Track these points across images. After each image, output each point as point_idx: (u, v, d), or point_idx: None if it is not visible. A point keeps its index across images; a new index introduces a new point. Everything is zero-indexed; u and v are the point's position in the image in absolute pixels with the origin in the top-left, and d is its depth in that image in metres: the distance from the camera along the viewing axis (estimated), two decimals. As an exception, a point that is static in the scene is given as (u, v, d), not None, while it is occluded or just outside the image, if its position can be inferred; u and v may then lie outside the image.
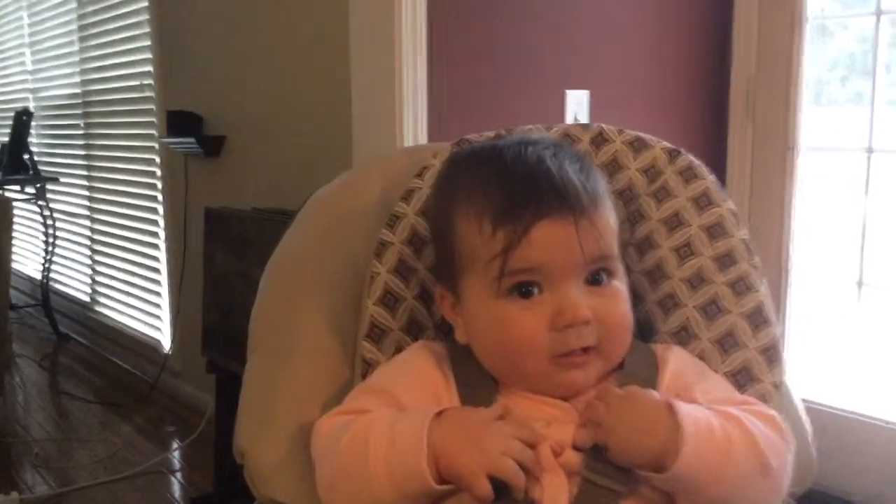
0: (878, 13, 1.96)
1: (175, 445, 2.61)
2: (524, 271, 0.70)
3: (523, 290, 0.71)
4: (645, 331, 0.83)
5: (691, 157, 0.87)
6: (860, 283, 2.03)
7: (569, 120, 1.93)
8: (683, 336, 0.80)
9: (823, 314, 2.09)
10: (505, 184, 0.72)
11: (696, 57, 2.14)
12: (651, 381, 0.74)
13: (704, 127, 2.17)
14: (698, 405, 0.69)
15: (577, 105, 1.95)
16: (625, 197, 0.87)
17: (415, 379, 0.74)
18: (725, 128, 2.16)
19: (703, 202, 0.84)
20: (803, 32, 2.03)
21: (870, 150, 1.99)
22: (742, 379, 0.77)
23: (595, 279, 0.72)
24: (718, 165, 2.12)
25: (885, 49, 1.95)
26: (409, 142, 1.74)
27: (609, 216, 0.74)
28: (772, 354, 0.78)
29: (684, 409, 0.67)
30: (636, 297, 0.84)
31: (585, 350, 0.71)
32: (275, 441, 0.78)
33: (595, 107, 1.96)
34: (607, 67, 2.00)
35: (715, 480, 0.65)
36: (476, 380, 0.74)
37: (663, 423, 0.66)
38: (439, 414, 0.68)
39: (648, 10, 2.05)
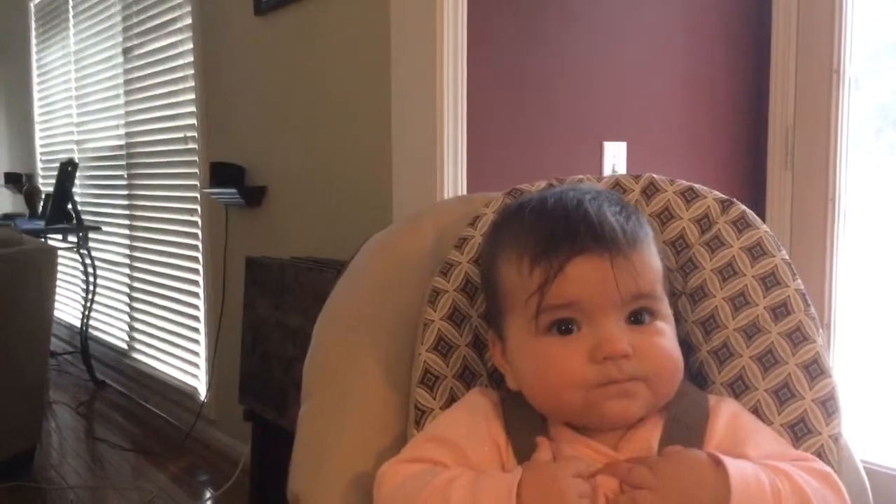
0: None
1: (208, 494, 2.61)
2: (561, 307, 0.71)
3: (563, 328, 0.72)
4: (699, 381, 0.82)
5: (744, 207, 0.87)
6: (906, 337, 1.99)
7: (606, 171, 1.94)
8: (739, 387, 0.80)
9: (868, 368, 2.05)
10: (543, 225, 0.74)
11: (733, 107, 2.16)
12: (699, 428, 0.73)
13: (743, 178, 2.17)
14: (748, 461, 0.69)
15: (614, 157, 1.96)
16: (677, 247, 0.87)
17: (476, 429, 0.75)
18: (764, 179, 2.16)
19: (756, 252, 0.84)
20: (841, 82, 2.03)
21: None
22: (799, 431, 0.76)
23: (637, 318, 0.72)
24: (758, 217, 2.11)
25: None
26: (448, 195, 1.76)
27: (650, 258, 0.75)
28: (830, 406, 0.77)
29: (731, 462, 0.67)
30: (690, 348, 0.84)
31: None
32: (330, 487, 0.78)
33: (632, 158, 1.98)
34: (644, 119, 2.02)
35: None
36: (524, 426, 0.75)
37: (710, 476, 0.66)
38: (520, 483, 0.68)
39: (685, 60, 2.07)
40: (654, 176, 0.91)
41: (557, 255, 0.71)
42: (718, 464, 0.67)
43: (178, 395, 3.22)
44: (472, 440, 0.74)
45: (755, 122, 2.17)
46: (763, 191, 2.15)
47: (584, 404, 0.71)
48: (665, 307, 0.75)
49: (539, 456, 0.71)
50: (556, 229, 0.73)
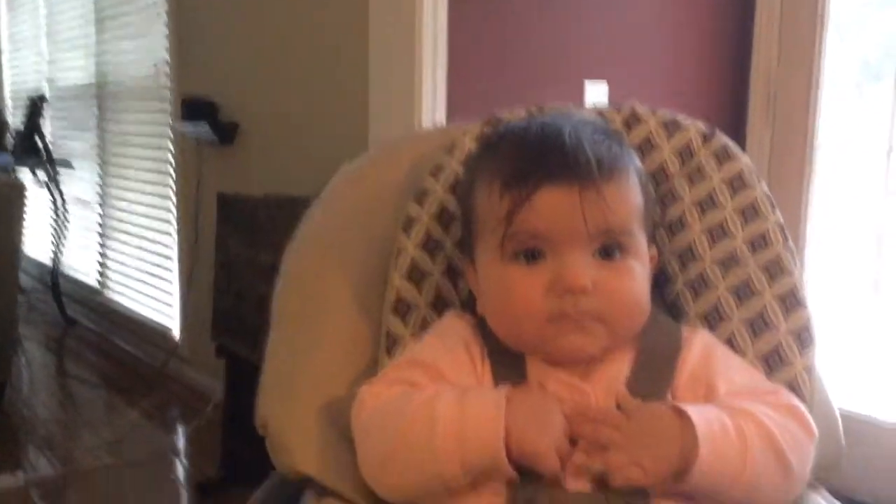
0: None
1: (181, 430, 2.61)
2: (527, 236, 0.70)
3: (529, 257, 0.71)
4: (674, 313, 0.82)
5: (726, 139, 0.86)
6: (876, 284, 2.01)
7: (587, 112, 1.92)
8: (714, 318, 0.79)
9: (839, 315, 2.07)
10: (518, 151, 0.73)
11: (716, 51, 2.13)
12: (671, 360, 0.73)
13: (723, 123, 2.15)
14: (710, 405, 0.69)
15: (595, 97, 1.94)
16: (657, 178, 0.85)
17: (454, 351, 0.74)
18: (744, 125, 2.15)
19: (737, 184, 0.83)
20: (826, 30, 2.01)
21: (890, 150, 1.97)
22: (773, 362, 0.76)
23: (607, 253, 0.71)
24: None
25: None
26: (426, 130, 1.73)
27: (626, 191, 0.73)
28: (804, 337, 0.77)
29: (693, 410, 0.66)
30: (666, 279, 0.83)
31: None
32: (298, 413, 0.77)
33: (614, 98, 1.95)
34: (626, 60, 2.00)
35: (733, 481, 0.65)
36: (505, 355, 0.74)
37: (676, 426, 0.66)
38: (509, 399, 0.68)
39: (669, 2, 2.04)
40: (637, 105, 0.89)
41: (526, 183, 0.70)
42: (681, 414, 0.66)
43: (150, 332, 3.20)
44: (450, 362, 0.73)
45: (738, 67, 2.15)
46: (743, 137, 2.14)
47: (539, 337, 0.70)
48: (638, 244, 0.73)
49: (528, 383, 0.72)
50: (530, 156, 0.71)
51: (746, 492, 0.66)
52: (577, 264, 0.69)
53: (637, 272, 0.72)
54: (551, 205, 0.69)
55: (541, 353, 0.73)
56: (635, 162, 0.76)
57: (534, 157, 0.71)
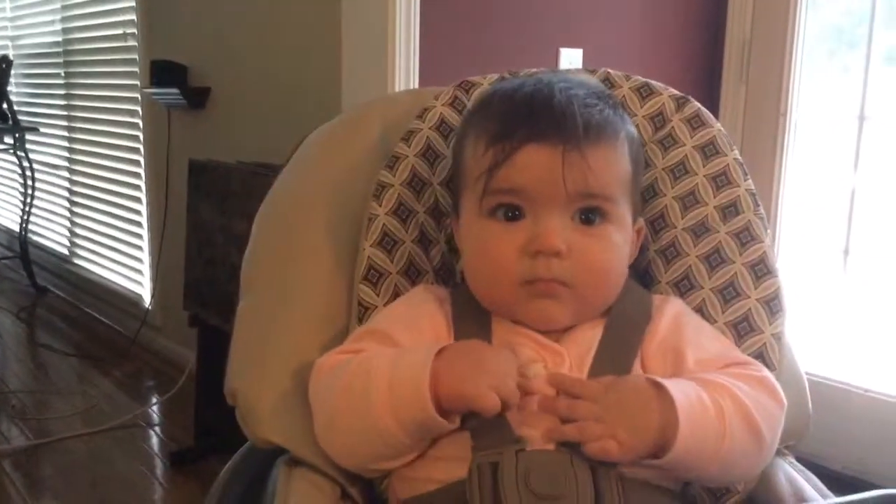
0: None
1: (154, 400, 2.59)
2: (506, 192, 0.70)
3: (509, 214, 0.71)
4: (645, 280, 0.82)
5: (699, 105, 0.85)
6: (846, 252, 2.03)
7: (562, 79, 1.90)
8: (685, 286, 0.79)
9: (809, 282, 2.09)
10: (507, 108, 0.72)
11: (691, 18, 2.12)
12: (640, 327, 0.73)
13: (697, 90, 2.15)
14: (684, 379, 0.68)
15: (570, 64, 1.93)
16: (630, 145, 0.85)
17: (417, 324, 0.74)
18: (718, 92, 2.14)
19: (709, 151, 0.82)
20: (800, -3, 2.01)
21: (861, 118, 1.98)
22: (742, 330, 0.76)
23: (586, 218, 0.71)
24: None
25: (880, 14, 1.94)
26: (400, 96, 1.71)
27: (614, 157, 0.72)
28: (774, 305, 0.77)
29: (670, 383, 0.66)
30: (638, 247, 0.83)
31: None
32: (269, 382, 0.76)
33: (588, 66, 1.94)
34: (601, 27, 1.98)
35: (711, 457, 0.65)
36: (471, 317, 0.74)
37: (654, 399, 0.65)
38: (444, 348, 0.67)
39: (645, -31, 2.02)
40: (610, 71, 0.88)
41: (510, 140, 0.70)
42: (659, 387, 0.65)
43: (121, 301, 3.17)
44: (410, 332, 0.73)
45: (712, 35, 2.15)
46: (717, 104, 2.14)
47: (512, 297, 0.70)
48: (620, 211, 0.72)
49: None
50: (517, 114, 0.71)
51: (722, 467, 0.66)
52: (552, 225, 0.69)
53: (615, 240, 0.71)
54: (532, 162, 0.69)
55: (512, 315, 0.72)
56: (628, 128, 0.75)
57: (521, 115, 0.71)
